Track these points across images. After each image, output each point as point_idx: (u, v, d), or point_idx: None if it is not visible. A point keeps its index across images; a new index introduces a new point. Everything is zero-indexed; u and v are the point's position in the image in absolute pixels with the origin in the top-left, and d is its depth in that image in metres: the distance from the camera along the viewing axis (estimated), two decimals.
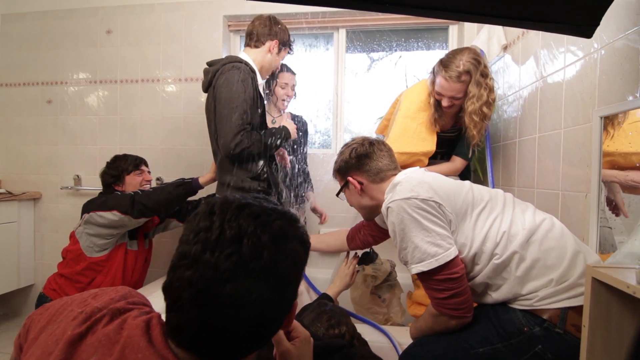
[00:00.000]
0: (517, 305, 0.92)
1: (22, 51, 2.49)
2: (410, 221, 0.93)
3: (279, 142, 1.57)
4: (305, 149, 2.15)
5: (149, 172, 1.95)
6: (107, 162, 1.89)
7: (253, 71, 1.52)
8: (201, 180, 1.86)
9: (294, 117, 2.14)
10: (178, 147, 2.37)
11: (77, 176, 2.43)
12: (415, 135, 1.62)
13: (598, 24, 0.78)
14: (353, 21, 2.30)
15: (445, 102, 1.53)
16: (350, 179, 1.16)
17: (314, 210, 2.11)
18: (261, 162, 1.56)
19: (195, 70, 2.33)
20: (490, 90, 1.49)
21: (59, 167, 2.47)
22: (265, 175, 1.56)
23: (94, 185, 2.37)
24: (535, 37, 1.44)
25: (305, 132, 2.16)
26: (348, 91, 2.43)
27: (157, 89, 2.39)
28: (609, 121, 1.03)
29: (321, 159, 2.33)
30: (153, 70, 2.39)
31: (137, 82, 2.40)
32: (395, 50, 2.40)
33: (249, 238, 0.47)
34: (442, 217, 0.94)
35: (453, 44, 2.25)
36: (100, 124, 2.44)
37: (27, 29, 2.48)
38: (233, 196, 0.54)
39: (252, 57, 1.58)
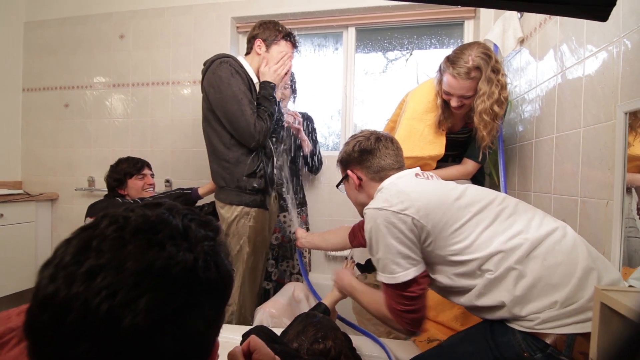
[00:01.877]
0: (516, 326, 0.81)
1: (42, 57, 2.59)
2: (378, 233, 0.90)
3: (275, 104, 1.51)
4: (317, 149, 2.11)
5: (152, 175, 1.95)
6: (111, 166, 1.91)
7: (241, 66, 1.49)
8: (200, 191, 1.86)
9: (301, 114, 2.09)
10: (188, 150, 2.37)
11: (91, 178, 2.49)
12: (422, 138, 1.51)
13: (614, 5, 0.67)
14: (362, 19, 2.22)
15: (454, 102, 1.41)
16: (350, 172, 1.11)
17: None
18: (257, 157, 1.51)
19: None
20: (503, 87, 1.37)
21: (75, 169, 2.54)
22: (262, 172, 1.51)
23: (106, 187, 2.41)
24: (554, 28, 1.32)
25: (312, 126, 2.10)
26: (359, 92, 2.36)
27: (168, 91, 2.40)
28: (635, 118, 0.90)
29: (331, 162, 2.26)
30: (164, 73, 2.41)
31: (149, 85, 2.43)
32: (407, 49, 2.30)
33: (102, 325, 0.33)
34: (411, 232, 0.88)
35: (469, 40, 2.12)
36: (114, 126, 2.49)
37: (46, 36, 2.57)
38: (111, 218, 0.39)
39: (248, 61, 1.56)
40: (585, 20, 1.10)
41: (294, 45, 1.60)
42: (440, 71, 1.43)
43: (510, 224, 0.87)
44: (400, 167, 1.09)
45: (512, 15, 1.58)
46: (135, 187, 1.85)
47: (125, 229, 0.38)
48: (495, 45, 1.60)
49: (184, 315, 0.37)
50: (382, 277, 0.93)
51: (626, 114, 0.92)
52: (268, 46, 1.54)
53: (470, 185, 1.00)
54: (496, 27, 1.63)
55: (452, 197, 0.92)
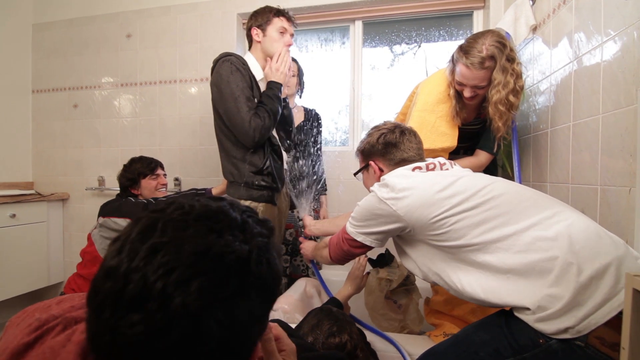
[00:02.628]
0: (524, 318, 0.79)
1: (50, 59, 2.61)
2: (365, 203, 1.03)
3: (278, 104, 1.49)
4: (319, 146, 2.08)
5: (164, 175, 1.96)
6: (124, 165, 1.91)
7: (244, 63, 1.48)
8: (214, 192, 1.87)
9: (307, 111, 2.07)
10: (195, 148, 2.37)
11: (101, 177, 2.50)
12: (433, 130, 1.48)
13: None
14: (369, 12, 2.20)
15: (467, 93, 1.38)
16: (372, 162, 1.13)
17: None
18: (264, 154, 1.50)
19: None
20: (518, 76, 1.33)
21: (85, 168, 2.55)
22: (269, 169, 1.50)
23: (116, 186, 2.40)
24: (568, 14, 1.28)
25: (319, 124, 2.08)
26: (366, 87, 2.33)
27: (175, 90, 2.41)
28: None
29: (338, 157, 2.24)
30: (170, 72, 2.41)
31: (156, 84, 2.44)
32: (416, 41, 2.27)
33: (155, 301, 0.35)
34: (388, 218, 0.97)
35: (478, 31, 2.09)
36: (122, 126, 2.50)
37: (54, 37, 2.59)
38: (178, 205, 0.42)
39: (254, 55, 1.56)
40: (602, 3, 1.07)
41: (288, 19, 1.56)
42: (453, 61, 1.40)
43: (492, 215, 0.86)
44: (420, 159, 1.10)
45: (524, 2, 1.54)
46: (148, 187, 1.85)
47: (189, 214, 0.41)
48: (507, 33, 1.57)
49: (233, 303, 0.38)
50: (348, 223, 1.09)
51: None
52: (263, 30, 1.53)
53: (465, 176, 0.98)
54: (507, 16, 1.60)
55: (435, 189, 0.93)
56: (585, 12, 1.17)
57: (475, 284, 0.86)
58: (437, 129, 1.49)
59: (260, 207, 1.50)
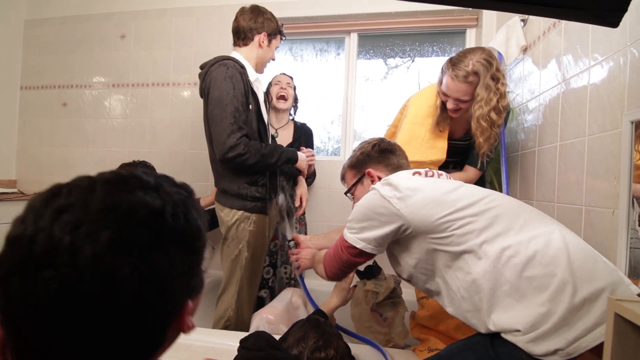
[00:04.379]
0: (511, 340, 0.78)
1: (41, 56, 2.57)
2: (364, 201, 0.97)
3: (279, 162, 1.49)
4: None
5: None
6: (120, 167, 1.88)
7: (242, 67, 1.46)
8: (202, 203, 1.84)
9: (299, 126, 2.06)
10: (185, 152, 2.35)
11: None
12: (423, 142, 1.50)
13: (625, 10, 0.67)
14: (365, 25, 2.23)
15: (450, 104, 1.42)
16: (370, 171, 1.10)
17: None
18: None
19: None
20: (502, 96, 1.36)
21: (71, 169, 2.50)
22: (264, 181, 1.49)
23: None
24: (557, 37, 1.32)
25: (310, 140, 2.08)
26: (360, 98, 2.35)
27: (167, 93, 2.39)
28: None
29: (329, 167, 2.24)
30: (164, 74, 2.39)
31: (148, 85, 2.41)
32: (409, 56, 2.31)
33: (64, 255, 0.34)
34: (390, 217, 0.91)
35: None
36: (112, 127, 2.47)
37: (47, 34, 2.55)
38: (84, 176, 0.40)
39: (243, 55, 1.53)
40: (590, 29, 1.10)
41: (282, 37, 1.64)
42: (442, 71, 1.44)
43: (495, 223, 0.84)
44: (408, 166, 1.12)
45: (516, 24, 1.58)
46: None
47: (97, 180, 0.39)
48: (499, 53, 1.60)
49: (149, 255, 0.37)
50: (347, 230, 1.00)
51: (632, 123, 0.91)
52: (270, 41, 1.55)
53: (465, 185, 0.98)
54: (499, 36, 1.63)
55: (442, 190, 0.92)
56: (574, 36, 1.20)
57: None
58: (427, 141, 1.50)
59: (253, 217, 1.49)
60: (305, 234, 2.06)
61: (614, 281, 0.76)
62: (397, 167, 1.09)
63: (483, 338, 0.85)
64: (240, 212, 1.47)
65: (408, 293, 1.52)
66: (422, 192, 0.91)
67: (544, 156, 1.38)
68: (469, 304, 0.85)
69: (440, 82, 1.44)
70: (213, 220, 1.80)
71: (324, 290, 1.82)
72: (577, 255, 0.79)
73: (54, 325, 0.34)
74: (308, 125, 2.11)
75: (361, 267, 1.46)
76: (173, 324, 0.42)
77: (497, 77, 1.35)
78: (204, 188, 2.20)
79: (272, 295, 1.91)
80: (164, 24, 2.38)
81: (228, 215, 1.48)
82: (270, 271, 1.93)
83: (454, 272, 0.87)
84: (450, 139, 1.53)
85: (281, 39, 1.61)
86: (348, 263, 1.03)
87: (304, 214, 2.06)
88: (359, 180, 1.14)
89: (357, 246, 0.96)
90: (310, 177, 2.09)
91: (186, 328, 0.44)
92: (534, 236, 0.82)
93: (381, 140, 1.15)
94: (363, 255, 0.99)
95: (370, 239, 0.95)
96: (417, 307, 1.48)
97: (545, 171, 1.37)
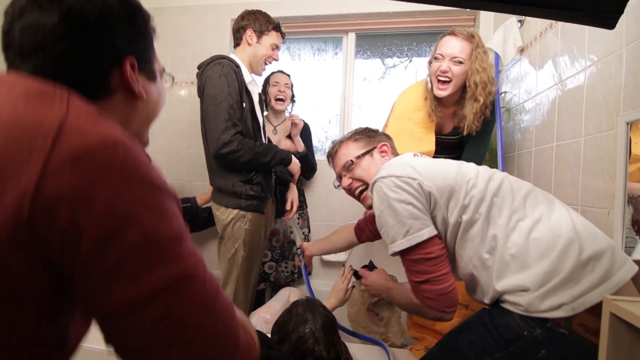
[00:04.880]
0: (511, 308, 0.80)
1: None
2: (385, 199, 0.88)
3: (273, 161, 1.49)
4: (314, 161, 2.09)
5: None
6: None
7: (237, 66, 1.47)
8: (199, 202, 1.85)
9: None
10: (183, 151, 2.34)
11: None
12: (411, 135, 1.48)
13: (621, 12, 0.67)
14: (363, 24, 2.23)
15: (444, 65, 1.34)
16: (387, 144, 1.12)
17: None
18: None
19: None
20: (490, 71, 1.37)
21: None
22: (258, 179, 1.49)
23: None
24: (554, 38, 1.32)
25: (307, 136, 2.09)
26: (357, 97, 2.35)
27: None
28: (637, 128, 0.90)
29: (327, 167, 2.24)
30: None
31: None
32: (407, 56, 2.31)
33: None
34: (418, 194, 0.87)
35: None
36: None
37: None
38: None
39: (238, 56, 1.54)
40: (587, 30, 1.11)
41: (282, 36, 1.61)
42: (430, 63, 1.44)
43: (497, 193, 0.87)
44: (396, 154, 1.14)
45: (513, 24, 1.59)
46: None
47: None
48: (496, 54, 1.61)
49: None
50: (395, 246, 0.87)
51: (628, 124, 0.92)
52: (259, 37, 1.53)
53: (464, 162, 1.00)
54: (497, 36, 1.64)
55: (453, 166, 0.94)
56: (571, 37, 1.21)
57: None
58: (415, 134, 1.49)
59: (248, 215, 1.49)
60: (308, 228, 2.06)
61: (613, 245, 0.79)
62: (394, 150, 1.14)
63: (480, 316, 0.87)
64: (236, 211, 1.48)
65: None
66: (426, 164, 0.93)
67: (541, 156, 1.38)
68: (479, 271, 0.86)
69: (430, 62, 1.43)
70: (210, 218, 1.79)
71: (322, 290, 1.83)
72: (578, 219, 0.84)
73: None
74: (305, 121, 2.11)
75: (358, 268, 1.47)
76: (115, 76, 0.48)
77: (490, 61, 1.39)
78: (201, 187, 2.19)
79: (274, 289, 1.91)
80: (160, 22, 2.34)
81: (224, 214, 1.49)
82: (273, 266, 1.93)
83: (465, 243, 0.87)
84: (439, 134, 1.53)
85: (282, 37, 1.60)
86: (434, 266, 0.86)
87: (306, 207, 2.06)
88: (369, 152, 1.09)
89: (423, 238, 0.85)
90: (308, 173, 2.08)
91: (135, 87, 0.50)
92: (538, 202, 0.86)
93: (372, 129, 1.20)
94: (435, 243, 0.87)
95: (420, 225, 0.86)
96: None
97: (541, 171, 1.37)
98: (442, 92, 1.39)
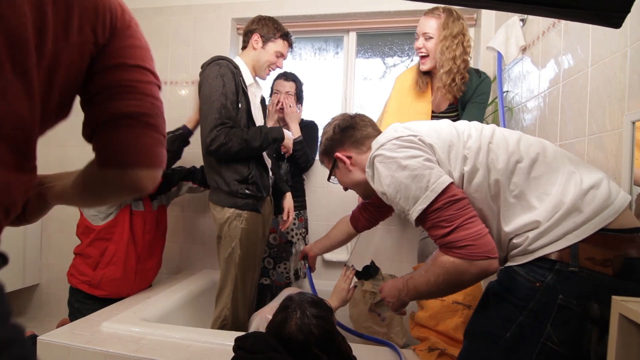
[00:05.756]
0: (514, 262, 0.80)
1: None
2: (393, 163, 0.86)
3: (265, 144, 1.49)
4: (314, 155, 2.08)
5: None
6: None
7: (236, 67, 1.48)
8: (190, 126, 1.83)
9: (304, 123, 2.06)
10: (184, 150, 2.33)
11: None
12: (411, 108, 1.58)
13: (628, 11, 0.66)
14: (363, 24, 2.22)
15: (418, 43, 1.52)
16: (338, 155, 1.09)
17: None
18: (249, 163, 1.48)
19: None
20: (465, 51, 1.47)
21: (67, 167, 2.45)
22: (254, 178, 1.49)
23: None
24: (557, 37, 1.32)
25: (314, 135, 2.08)
26: (358, 96, 2.34)
27: (165, 91, 2.37)
28: None
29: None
30: (161, 73, 2.31)
31: None
32: (408, 55, 2.30)
33: None
34: (423, 147, 0.86)
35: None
36: None
37: None
38: None
39: (243, 59, 1.57)
40: (590, 29, 1.10)
41: (290, 45, 1.62)
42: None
43: (492, 141, 0.86)
44: (379, 133, 1.07)
45: (515, 23, 1.58)
46: None
47: None
48: (499, 53, 1.60)
49: None
50: (420, 204, 0.81)
51: (633, 123, 0.91)
52: (265, 42, 1.55)
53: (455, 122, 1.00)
54: (499, 35, 1.63)
55: (445, 123, 0.94)
56: (574, 36, 1.20)
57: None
58: (415, 107, 1.58)
59: (244, 214, 1.48)
60: (306, 229, 2.05)
61: (606, 175, 0.82)
62: (364, 138, 1.07)
63: (488, 289, 0.86)
64: (232, 210, 1.48)
65: None
66: (421, 124, 0.94)
67: None
68: (489, 221, 0.85)
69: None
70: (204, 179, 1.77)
71: (324, 290, 1.82)
72: (571, 155, 0.87)
73: None
74: (314, 120, 2.12)
75: (359, 268, 1.46)
76: None
77: (461, 30, 1.46)
78: None
79: (273, 287, 1.91)
80: (160, 22, 2.36)
81: (220, 213, 1.49)
82: (271, 262, 1.93)
83: (471, 195, 0.85)
84: (436, 112, 1.59)
85: (290, 46, 1.61)
86: (457, 214, 0.79)
87: (305, 207, 2.06)
88: (335, 166, 1.13)
89: (444, 185, 0.80)
90: (305, 163, 2.02)
91: None
92: (531, 143, 0.86)
93: (341, 118, 1.13)
94: (452, 187, 0.82)
95: (434, 172, 0.83)
96: (417, 308, 1.48)
97: None
98: (423, 66, 1.55)
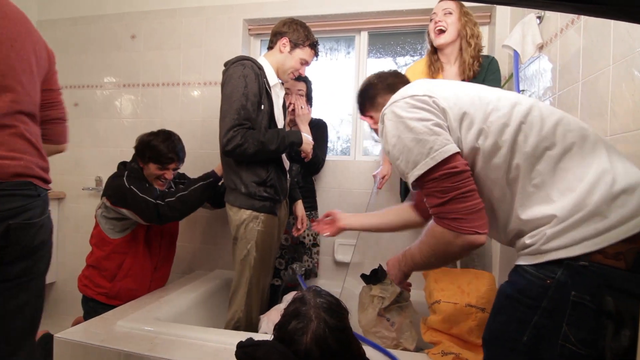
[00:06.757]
0: (524, 261, 0.76)
1: None
2: (401, 123, 0.83)
3: (281, 147, 1.47)
4: (324, 157, 2.07)
5: (174, 169, 1.84)
6: (154, 133, 1.82)
7: (260, 68, 1.46)
8: (219, 172, 1.79)
9: (314, 122, 2.05)
10: (196, 151, 2.35)
11: (99, 177, 2.47)
12: None
13: None
14: (375, 23, 2.20)
15: (439, 17, 1.57)
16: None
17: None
18: (268, 166, 1.48)
19: (215, 74, 2.31)
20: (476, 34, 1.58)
21: (82, 168, 2.53)
22: (272, 181, 1.48)
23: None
24: (576, 34, 1.28)
25: (324, 134, 2.07)
26: None
27: (177, 92, 2.39)
28: None
29: (339, 166, 2.22)
30: (174, 74, 2.40)
31: (159, 85, 2.42)
32: (420, 54, 2.27)
33: None
34: (435, 110, 0.82)
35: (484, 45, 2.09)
36: (122, 126, 2.48)
37: (58, 35, 2.58)
38: None
39: (268, 60, 1.55)
40: (612, 26, 1.07)
41: (316, 54, 1.61)
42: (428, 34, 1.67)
43: (531, 124, 0.78)
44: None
45: (531, 21, 1.54)
46: (152, 173, 1.78)
47: None
48: (515, 51, 1.57)
49: None
50: (418, 170, 0.80)
51: None
52: (293, 48, 1.54)
53: (486, 87, 0.94)
54: (515, 33, 1.59)
55: (471, 88, 0.88)
56: (594, 34, 1.17)
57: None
58: None
59: (261, 217, 1.48)
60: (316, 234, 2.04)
61: None
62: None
63: (500, 292, 0.82)
64: (249, 212, 1.47)
65: (415, 296, 1.48)
66: (444, 84, 0.90)
67: None
68: (499, 204, 0.81)
69: (428, 34, 1.66)
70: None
71: (333, 291, 1.80)
72: (613, 150, 0.76)
73: None
74: (323, 120, 2.11)
75: (367, 272, 1.44)
76: None
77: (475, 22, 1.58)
78: None
79: (284, 288, 1.91)
80: (173, 24, 2.39)
81: (237, 214, 1.48)
82: (282, 262, 1.93)
83: (487, 172, 0.81)
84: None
85: (315, 56, 1.60)
86: (453, 187, 0.78)
87: (315, 208, 2.05)
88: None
89: (449, 153, 0.78)
90: (313, 166, 2.01)
91: None
92: (570, 130, 0.76)
93: (384, 71, 1.13)
94: (455, 160, 0.80)
95: (441, 139, 0.80)
96: (429, 313, 1.45)
97: None
98: (440, 39, 1.59)
